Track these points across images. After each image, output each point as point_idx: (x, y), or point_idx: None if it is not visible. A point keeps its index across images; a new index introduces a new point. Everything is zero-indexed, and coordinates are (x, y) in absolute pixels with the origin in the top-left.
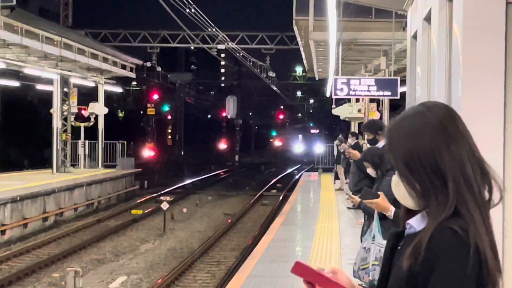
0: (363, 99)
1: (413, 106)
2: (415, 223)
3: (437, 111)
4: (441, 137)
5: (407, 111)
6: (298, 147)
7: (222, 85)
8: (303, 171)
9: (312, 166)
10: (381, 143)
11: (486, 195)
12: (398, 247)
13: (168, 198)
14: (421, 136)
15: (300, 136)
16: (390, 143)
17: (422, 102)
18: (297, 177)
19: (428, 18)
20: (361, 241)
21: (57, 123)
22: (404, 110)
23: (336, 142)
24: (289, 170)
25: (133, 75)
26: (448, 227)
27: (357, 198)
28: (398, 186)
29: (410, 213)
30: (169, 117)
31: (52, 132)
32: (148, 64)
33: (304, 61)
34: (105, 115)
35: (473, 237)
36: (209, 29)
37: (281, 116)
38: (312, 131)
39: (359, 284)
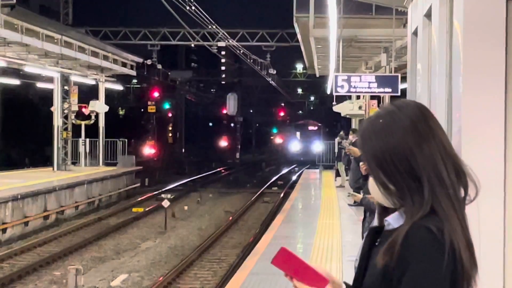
0: (363, 96)
1: (385, 106)
2: (393, 220)
3: (407, 111)
4: (412, 137)
5: (379, 112)
6: (294, 145)
7: (223, 82)
8: (303, 168)
9: (311, 164)
10: None
11: (462, 192)
12: (376, 243)
13: (169, 196)
14: (392, 136)
15: (297, 133)
16: (363, 145)
17: (394, 102)
18: (295, 176)
19: (428, 15)
20: (362, 237)
21: (57, 121)
22: (377, 111)
23: (337, 139)
24: (286, 170)
25: (133, 73)
26: (423, 226)
27: (358, 195)
28: (374, 186)
29: (388, 209)
30: (170, 114)
31: (52, 130)
32: (149, 61)
33: (305, 58)
34: (106, 113)
35: (448, 235)
36: (210, 27)
37: (281, 114)
38: (310, 128)
39: None
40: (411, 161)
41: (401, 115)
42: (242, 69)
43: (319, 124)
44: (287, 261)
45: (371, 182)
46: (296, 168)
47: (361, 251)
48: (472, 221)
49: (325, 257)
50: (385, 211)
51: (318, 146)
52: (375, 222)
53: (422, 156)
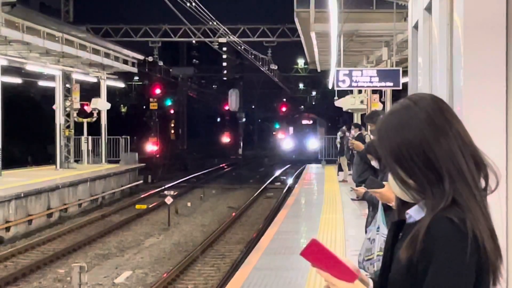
0: (365, 90)
1: (400, 101)
2: (414, 213)
3: (423, 104)
4: (429, 130)
5: (394, 107)
6: (286, 142)
7: (224, 78)
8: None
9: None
10: None
11: (482, 182)
12: (399, 237)
13: (172, 193)
14: (409, 130)
15: (290, 128)
16: (380, 141)
17: (408, 96)
18: (297, 172)
19: (429, 8)
20: (366, 232)
21: (60, 119)
22: (392, 106)
23: (339, 133)
24: (289, 165)
25: (135, 70)
26: (445, 217)
27: (361, 190)
28: (393, 181)
29: (406, 203)
30: (172, 111)
31: (55, 128)
32: (150, 58)
33: (306, 53)
34: (108, 111)
35: (471, 225)
36: (210, 23)
37: (283, 109)
38: (304, 121)
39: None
40: (429, 154)
41: (417, 109)
42: (243, 65)
43: (315, 117)
44: (316, 254)
45: (390, 177)
46: (298, 163)
47: (384, 245)
48: (496, 214)
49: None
50: (404, 205)
51: (313, 143)
52: (376, 216)
53: (440, 148)
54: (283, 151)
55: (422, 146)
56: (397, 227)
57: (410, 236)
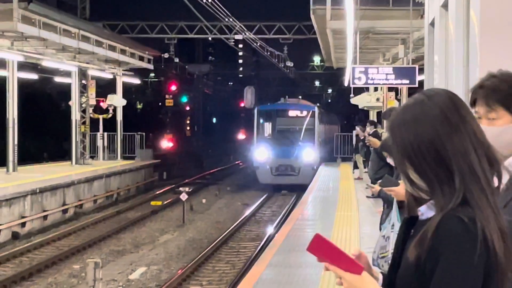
0: (381, 88)
1: (414, 95)
2: (425, 211)
3: (437, 99)
4: (442, 127)
5: (408, 102)
6: (259, 153)
7: (240, 75)
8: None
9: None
10: None
11: (496, 181)
12: (411, 233)
13: (187, 189)
14: (421, 126)
15: (266, 125)
16: (392, 136)
17: (423, 91)
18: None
19: (445, 5)
20: (380, 229)
21: (75, 115)
22: (406, 101)
23: (354, 131)
24: None
25: (151, 66)
26: (455, 216)
27: (376, 187)
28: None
29: (418, 199)
30: (188, 108)
31: (71, 124)
32: (166, 55)
33: (322, 51)
34: (124, 107)
35: (481, 225)
36: (226, 20)
37: None
38: (293, 113)
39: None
40: (441, 151)
41: (431, 104)
42: (259, 62)
43: (311, 106)
44: (321, 248)
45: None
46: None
47: (395, 241)
48: None
49: (343, 248)
50: (416, 201)
51: (309, 154)
52: (391, 213)
53: (452, 146)
54: (252, 165)
55: (434, 143)
56: (409, 223)
57: (419, 235)
